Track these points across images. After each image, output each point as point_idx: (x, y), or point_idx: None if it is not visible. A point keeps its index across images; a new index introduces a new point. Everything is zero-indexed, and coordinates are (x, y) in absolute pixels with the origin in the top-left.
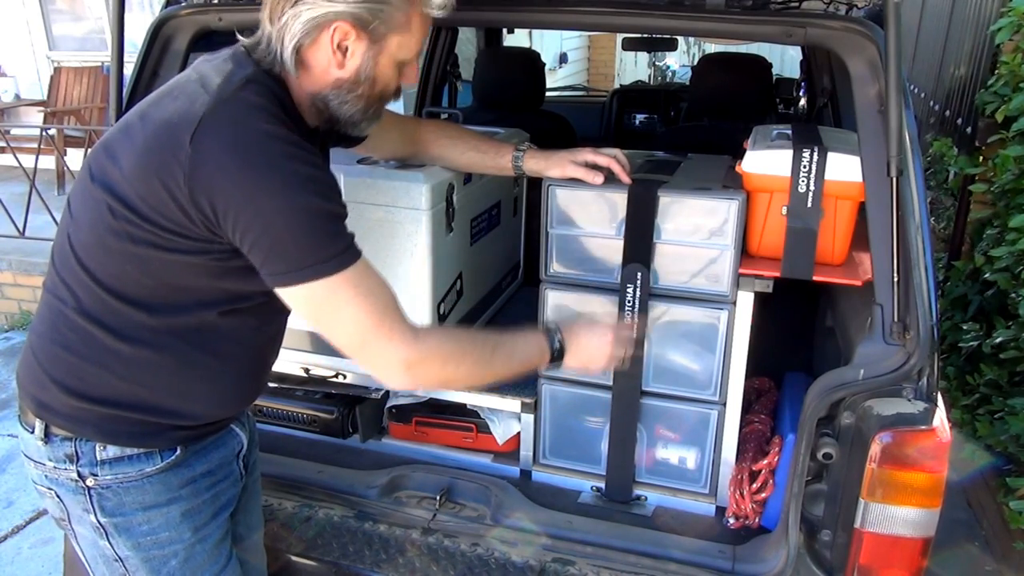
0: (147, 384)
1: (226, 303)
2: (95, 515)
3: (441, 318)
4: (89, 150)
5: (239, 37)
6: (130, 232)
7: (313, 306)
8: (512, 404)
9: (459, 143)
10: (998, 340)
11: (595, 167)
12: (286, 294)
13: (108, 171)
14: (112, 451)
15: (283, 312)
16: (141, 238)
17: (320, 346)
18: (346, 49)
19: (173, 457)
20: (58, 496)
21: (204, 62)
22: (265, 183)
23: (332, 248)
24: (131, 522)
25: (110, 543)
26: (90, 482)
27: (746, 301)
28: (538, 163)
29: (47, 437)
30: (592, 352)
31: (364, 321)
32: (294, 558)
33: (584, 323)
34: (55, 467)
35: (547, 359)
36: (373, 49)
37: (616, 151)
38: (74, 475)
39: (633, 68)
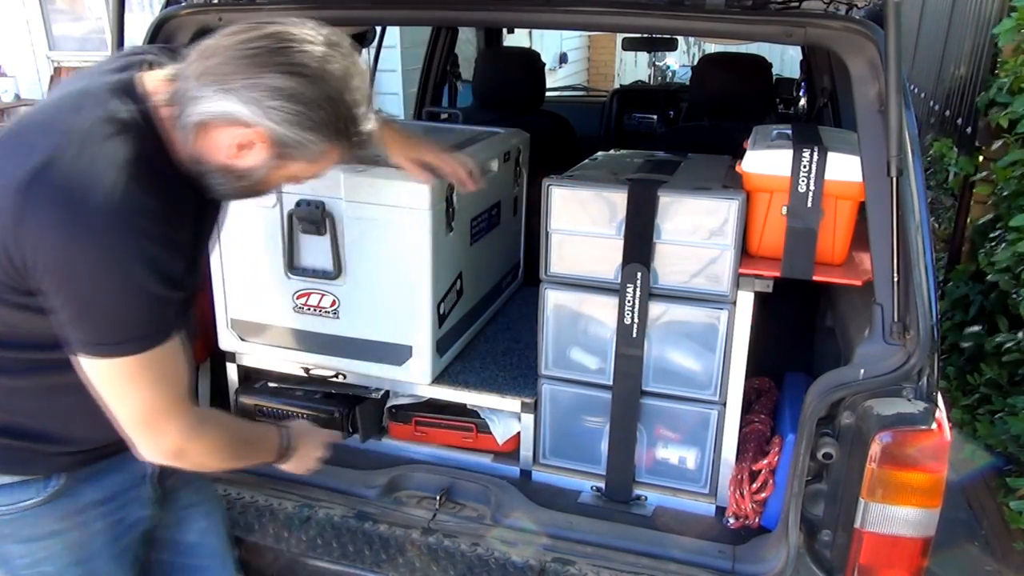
0: (23, 411)
1: None
2: None
3: (441, 318)
4: None
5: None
6: None
7: (104, 379)
8: (512, 404)
9: None
10: (998, 340)
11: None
12: (82, 359)
13: None
14: None
15: None
16: None
17: (320, 346)
18: (249, 150)
19: (56, 486)
20: None
21: (99, 77)
22: (92, 250)
23: (141, 330)
24: (9, 554)
25: None
26: None
27: (746, 301)
28: (391, 147)
29: None
30: (305, 458)
31: (152, 403)
32: (294, 558)
33: (307, 429)
34: None
35: (273, 459)
36: (274, 163)
37: (467, 159)
38: None
39: (633, 68)
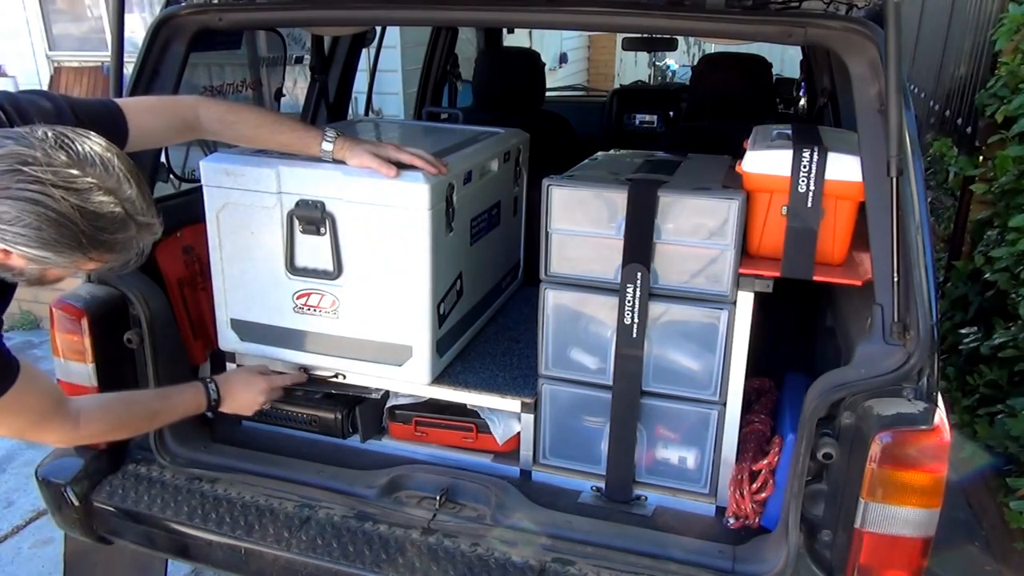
0: None
1: None
2: None
3: (441, 318)
4: None
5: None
6: None
7: None
8: (512, 404)
9: (263, 132)
10: (998, 341)
11: (399, 163)
12: None
13: None
14: None
15: None
16: None
17: (320, 346)
18: (10, 255)
19: None
20: None
21: None
22: None
23: None
24: None
25: None
26: None
27: (746, 301)
28: (343, 152)
29: None
30: (242, 402)
31: (15, 429)
32: (294, 558)
33: (240, 374)
34: None
35: (203, 407)
36: (35, 267)
37: (422, 152)
38: None
39: (633, 68)
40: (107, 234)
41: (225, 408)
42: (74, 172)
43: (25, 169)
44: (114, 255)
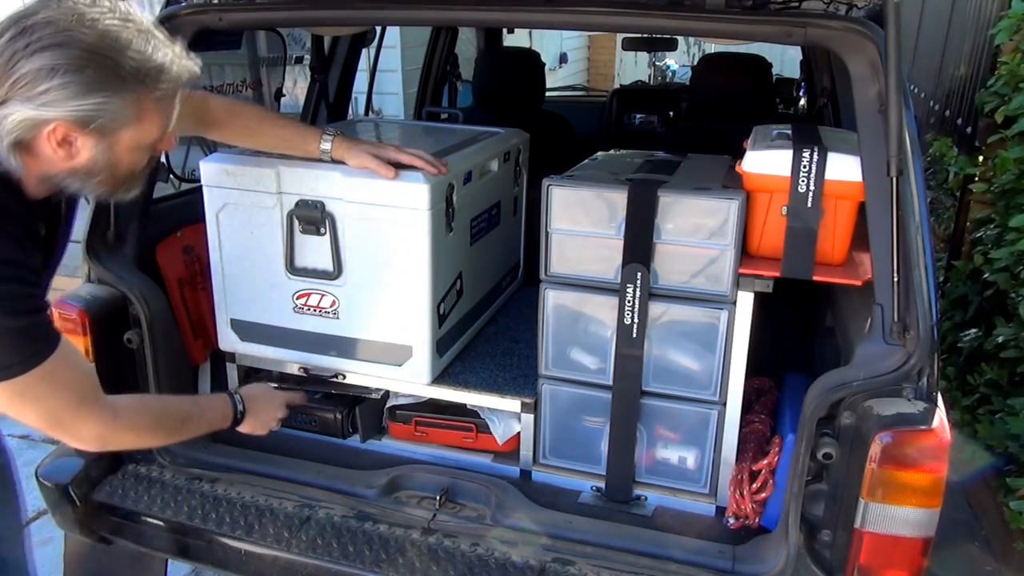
0: None
1: None
2: None
3: (441, 318)
4: None
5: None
6: None
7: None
8: (512, 404)
9: (262, 131)
10: (998, 340)
11: (398, 164)
12: None
13: None
14: None
15: None
16: None
17: (320, 346)
18: (72, 143)
19: None
20: None
21: None
22: None
23: (10, 359)
24: None
25: None
26: None
27: (746, 301)
28: (342, 152)
29: None
30: (263, 419)
31: (49, 412)
32: (294, 558)
33: (262, 388)
34: None
35: (228, 424)
36: (104, 142)
37: (422, 152)
38: None
39: (633, 68)
40: (143, 57)
41: (245, 427)
42: (82, 8)
43: (36, 18)
44: (162, 85)
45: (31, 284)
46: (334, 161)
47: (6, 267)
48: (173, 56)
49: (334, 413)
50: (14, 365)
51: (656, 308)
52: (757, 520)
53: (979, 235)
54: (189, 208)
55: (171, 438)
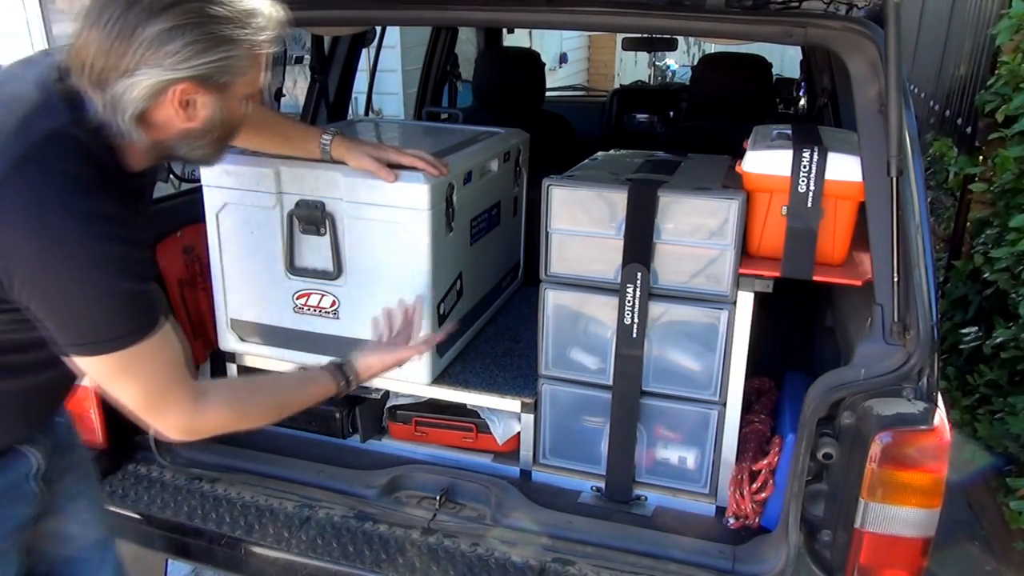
0: None
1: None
2: None
3: (441, 318)
4: None
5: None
6: None
7: (99, 375)
8: (512, 404)
9: (263, 131)
10: (998, 340)
11: (398, 166)
12: (74, 359)
13: None
14: None
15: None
16: None
17: (320, 346)
18: (193, 103)
19: None
20: None
21: (23, 70)
22: (63, 263)
23: (123, 327)
24: None
25: None
26: None
27: (746, 301)
28: (341, 152)
29: None
30: (380, 367)
31: (148, 391)
32: (294, 558)
33: (369, 364)
34: None
35: (334, 391)
36: (222, 97)
37: (422, 152)
38: None
39: (633, 68)
40: (243, 5)
41: (363, 378)
42: None
43: None
44: (267, 31)
45: (141, 248)
46: (334, 161)
47: (119, 226)
48: (262, 2)
49: (334, 413)
50: (126, 335)
51: (656, 308)
52: (757, 520)
53: (983, 236)
54: (189, 208)
55: (262, 422)
